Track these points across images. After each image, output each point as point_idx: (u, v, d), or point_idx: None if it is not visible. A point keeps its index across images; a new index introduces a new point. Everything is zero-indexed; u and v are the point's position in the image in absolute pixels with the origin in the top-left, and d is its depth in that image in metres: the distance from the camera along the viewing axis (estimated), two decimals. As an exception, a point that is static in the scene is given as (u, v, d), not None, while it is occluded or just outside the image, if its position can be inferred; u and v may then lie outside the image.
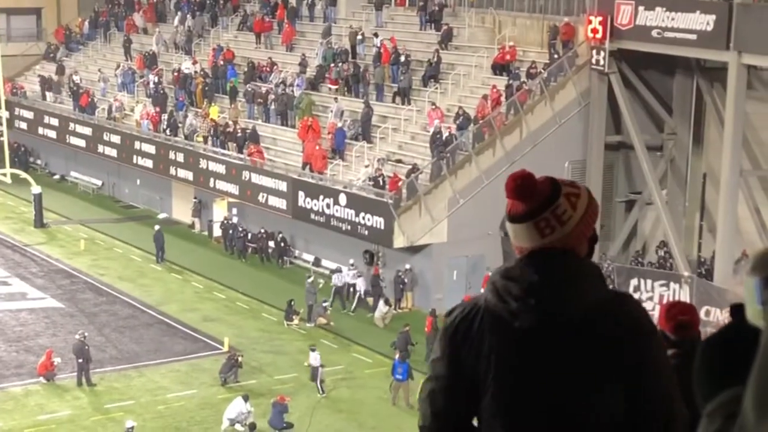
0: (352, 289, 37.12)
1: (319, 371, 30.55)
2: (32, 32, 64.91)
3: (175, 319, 35.63)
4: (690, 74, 38.03)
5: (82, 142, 51.08)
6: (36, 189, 46.87)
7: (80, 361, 30.45)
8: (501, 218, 36.10)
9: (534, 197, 3.15)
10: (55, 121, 53.07)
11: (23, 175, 49.06)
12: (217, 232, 43.72)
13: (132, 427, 26.42)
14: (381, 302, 35.21)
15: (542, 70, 38.38)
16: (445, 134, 37.47)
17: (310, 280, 36.23)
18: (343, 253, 37.89)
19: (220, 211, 44.11)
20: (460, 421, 3.24)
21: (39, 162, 56.50)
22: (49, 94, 55.78)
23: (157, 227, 42.37)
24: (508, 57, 40.03)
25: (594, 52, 37.29)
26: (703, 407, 2.58)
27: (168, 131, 46.77)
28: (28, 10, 65.23)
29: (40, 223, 46.62)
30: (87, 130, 50.70)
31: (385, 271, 36.91)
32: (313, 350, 30.94)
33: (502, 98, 38.20)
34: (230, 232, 42.57)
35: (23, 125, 55.17)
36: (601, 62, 36.91)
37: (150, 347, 33.44)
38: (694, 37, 33.93)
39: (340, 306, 36.58)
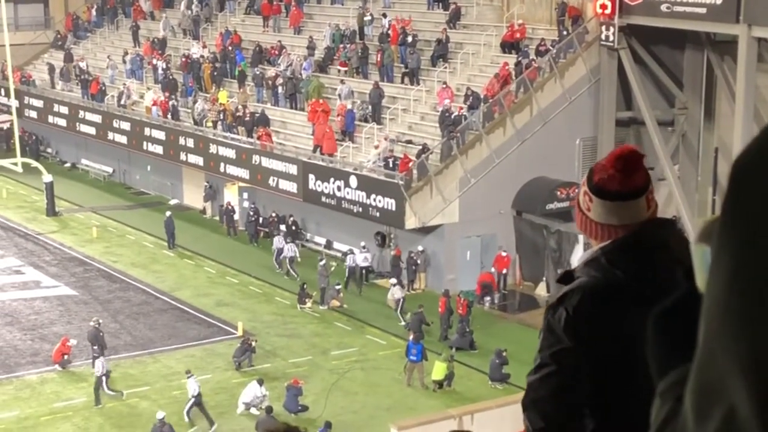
0: (364, 272, 37.09)
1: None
2: (40, 21, 64.89)
3: (189, 305, 35.65)
4: (700, 48, 37.80)
5: (92, 130, 51.09)
6: (47, 177, 46.91)
7: (95, 347, 30.49)
8: (513, 197, 36.15)
9: (644, 169, 3.13)
10: (64, 109, 53.07)
11: (34, 163, 49.10)
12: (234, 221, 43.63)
13: (162, 418, 26.27)
14: (396, 287, 34.99)
15: (551, 48, 38.18)
16: (455, 114, 37.35)
17: (322, 263, 36.20)
18: (355, 235, 37.84)
19: (231, 195, 44.09)
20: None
21: (50, 150, 56.55)
22: (58, 83, 55.75)
23: (167, 213, 42.36)
24: (517, 35, 39.83)
25: (603, 28, 37.08)
26: (656, 384, 2.48)
27: (170, 116, 46.66)
28: (34, -1, 65.25)
29: (52, 211, 46.68)
30: (97, 118, 50.69)
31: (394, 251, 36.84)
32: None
33: (512, 77, 38.03)
34: (233, 216, 42.69)
35: (33, 114, 55.18)
36: (611, 38, 36.70)
37: (164, 333, 33.48)
38: (703, 10, 33.69)
39: (356, 288, 36.51)
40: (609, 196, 3.08)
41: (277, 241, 38.99)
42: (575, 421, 3.06)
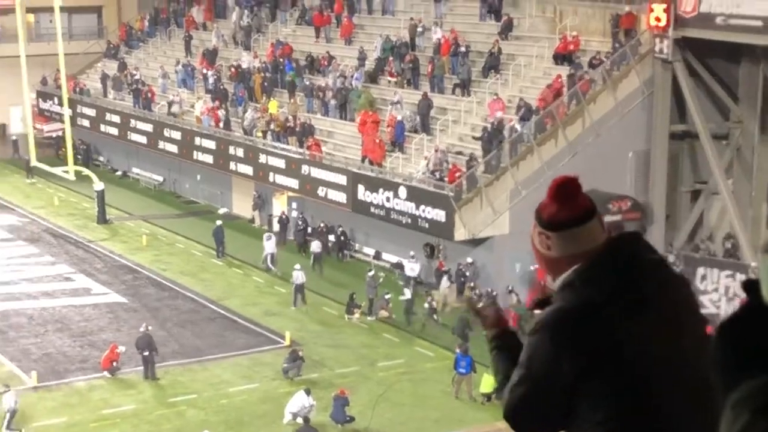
0: (413, 281, 37.00)
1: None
2: (93, 30, 65.58)
3: (237, 314, 35.66)
4: (756, 61, 37.23)
5: (143, 139, 51.39)
6: (99, 185, 47.22)
7: (146, 354, 30.53)
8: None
9: (584, 193, 3.21)
10: (116, 118, 53.45)
11: (86, 171, 49.44)
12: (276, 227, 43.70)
13: None
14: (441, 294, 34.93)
15: (604, 60, 37.85)
16: (505, 125, 37.12)
17: (370, 273, 36.05)
18: (404, 246, 37.68)
19: (279, 205, 44.10)
20: None
21: (101, 159, 56.95)
22: (110, 92, 56.15)
23: (218, 222, 42.47)
24: (571, 47, 39.52)
25: (657, 40, 36.67)
26: (725, 398, 2.33)
27: (222, 125, 46.85)
28: (89, 8, 65.95)
29: (103, 219, 46.96)
30: (148, 127, 50.99)
31: (446, 264, 36.62)
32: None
33: (564, 88, 37.73)
34: (287, 226, 42.76)
35: (85, 123, 55.62)
36: (665, 51, 36.28)
37: (212, 341, 33.48)
38: (759, 23, 33.22)
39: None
40: (563, 225, 3.13)
41: (269, 247, 39.75)
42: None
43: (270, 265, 39.67)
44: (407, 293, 35.01)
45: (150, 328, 31.62)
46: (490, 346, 3.40)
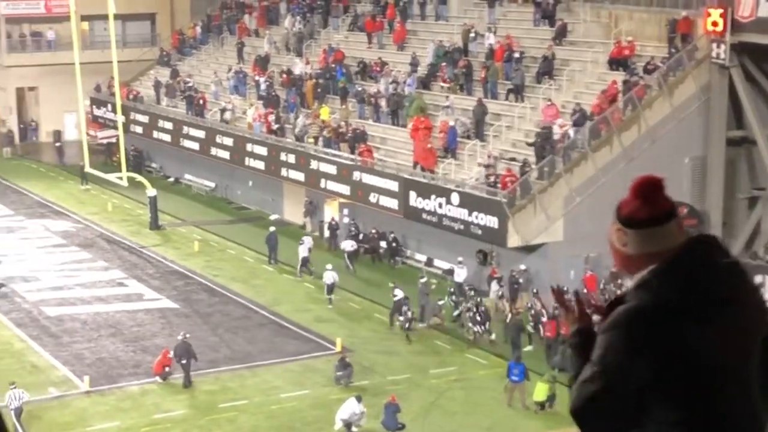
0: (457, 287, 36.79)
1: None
2: (147, 38, 66.06)
3: (288, 320, 35.55)
4: (815, 66, 36.62)
5: (195, 145, 51.54)
6: (151, 191, 47.40)
7: (183, 362, 30.51)
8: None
9: (666, 194, 3.22)
10: (169, 125, 53.68)
11: (139, 178, 49.67)
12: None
13: None
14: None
15: (660, 65, 37.36)
16: (559, 131, 36.75)
17: (423, 280, 35.80)
18: (456, 253, 37.39)
19: (331, 211, 43.99)
20: None
21: (154, 165, 57.22)
22: (163, 99, 56.44)
23: (271, 228, 42.44)
24: (626, 52, 39.07)
25: (714, 45, 36.18)
26: None
27: (276, 132, 46.90)
28: (142, 16, 66.48)
29: (155, 225, 47.13)
30: (200, 133, 51.15)
31: (499, 271, 36.29)
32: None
33: (619, 94, 37.30)
34: (337, 232, 42.77)
35: (138, 129, 55.91)
36: (722, 56, 35.78)
37: (263, 347, 33.40)
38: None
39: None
40: (642, 224, 3.14)
41: (303, 251, 40.07)
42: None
43: (303, 270, 39.83)
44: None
45: (188, 336, 31.56)
46: (569, 342, 3.32)
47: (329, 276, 36.93)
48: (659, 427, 2.98)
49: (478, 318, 33.31)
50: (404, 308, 34.01)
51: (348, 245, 40.33)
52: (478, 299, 34.21)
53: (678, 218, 3.18)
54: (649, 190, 3.17)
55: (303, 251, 40.09)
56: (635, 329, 3.00)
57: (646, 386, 2.97)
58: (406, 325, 33.77)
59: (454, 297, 35.40)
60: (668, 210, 3.17)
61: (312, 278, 39.42)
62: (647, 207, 3.15)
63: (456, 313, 34.77)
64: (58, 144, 60.53)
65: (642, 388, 2.97)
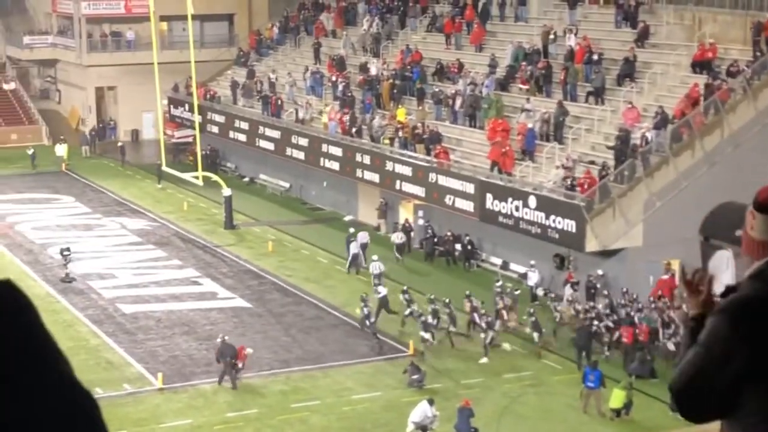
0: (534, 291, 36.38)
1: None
2: (224, 38, 66.46)
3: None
4: None
5: (270, 146, 51.58)
6: (226, 191, 47.53)
7: (232, 361, 30.32)
8: (701, 221, 34.55)
9: None
10: (245, 125, 53.81)
11: (214, 177, 49.85)
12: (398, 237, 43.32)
13: None
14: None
15: (745, 68, 36.49)
16: (639, 135, 36.09)
17: (498, 283, 35.35)
18: (532, 257, 36.88)
19: (406, 213, 43.71)
20: None
21: (229, 165, 57.44)
22: (240, 99, 56.61)
23: (351, 230, 42.20)
24: (708, 54, 38.23)
25: (800, 48, 35.24)
26: None
27: (353, 132, 46.74)
28: (220, 17, 66.93)
29: (230, 224, 47.25)
30: (276, 134, 51.17)
31: (575, 276, 35.70)
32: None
33: (701, 97, 36.49)
34: (410, 234, 42.66)
35: (215, 129, 56.14)
36: (809, 58, 34.81)
37: (335, 348, 33.20)
38: None
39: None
40: None
41: (353, 248, 40.57)
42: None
43: (352, 267, 40.17)
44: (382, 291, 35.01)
45: (227, 338, 31.37)
46: (687, 324, 3.18)
47: (375, 266, 37.76)
48: (753, 419, 2.90)
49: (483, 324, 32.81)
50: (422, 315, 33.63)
51: (397, 237, 40.90)
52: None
53: None
54: None
55: (354, 248, 40.42)
56: (741, 318, 2.89)
57: (743, 376, 2.87)
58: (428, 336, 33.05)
59: (407, 296, 34.82)
60: None
61: (390, 282, 39.17)
62: None
63: (407, 312, 34.26)
64: (120, 144, 60.93)
65: (739, 377, 2.87)
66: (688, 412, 3.06)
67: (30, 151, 58.49)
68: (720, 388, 2.94)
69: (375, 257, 38.32)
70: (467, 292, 34.75)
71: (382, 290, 35.12)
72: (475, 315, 33.36)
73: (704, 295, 3.18)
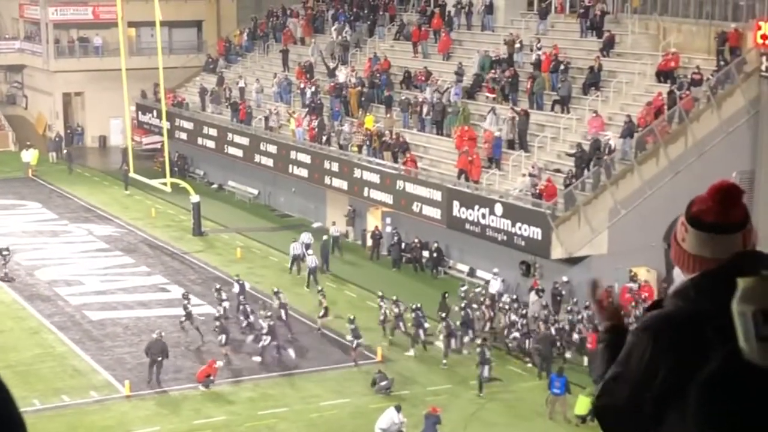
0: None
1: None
2: (193, 44, 66.39)
3: (329, 328, 35.40)
4: None
5: (239, 152, 51.64)
6: (194, 198, 47.55)
7: (159, 359, 30.83)
8: (665, 229, 34.95)
9: (743, 205, 3.10)
10: (213, 132, 53.82)
11: (182, 184, 49.83)
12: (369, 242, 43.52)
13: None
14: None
15: (709, 78, 36.96)
16: (603, 143, 36.47)
17: (463, 288, 35.63)
18: (499, 263, 37.16)
19: (374, 220, 43.90)
20: None
21: (198, 171, 57.41)
22: (208, 105, 56.60)
23: (324, 237, 42.40)
24: (672, 64, 38.68)
25: (764, 58, 35.79)
26: None
27: (323, 140, 46.88)
28: (189, 23, 66.84)
29: (198, 231, 47.25)
30: (244, 140, 51.23)
31: (541, 283, 36.00)
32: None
33: (665, 106, 36.92)
34: (380, 241, 42.80)
35: (183, 135, 56.13)
36: (772, 69, 35.30)
37: (303, 355, 33.28)
38: None
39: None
40: (704, 227, 3.06)
41: (294, 249, 41.54)
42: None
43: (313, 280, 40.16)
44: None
45: (163, 334, 31.86)
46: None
47: (311, 261, 39.78)
48: None
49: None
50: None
51: (311, 262, 40.30)
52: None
53: (747, 231, 3.05)
54: (724, 197, 3.05)
55: (296, 248, 41.50)
56: (662, 336, 2.96)
57: (664, 394, 2.93)
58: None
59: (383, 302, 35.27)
60: (736, 222, 3.05)
61: (358, 288, 39.43)
62: (716, 212, 3.04)
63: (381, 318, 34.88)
64: (124, 147, 60.82)
65: (661, 395, 2.93)
66: (610, 429, 3.09)
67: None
68: (642, 408, 2.96)
69: (310, 251, 40.69)
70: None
71: (312, 261, 39.12)
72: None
73: (608, 311, 3.29)
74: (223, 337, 33.31)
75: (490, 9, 48.13)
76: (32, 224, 49.07)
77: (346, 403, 29.91)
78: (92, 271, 41.80)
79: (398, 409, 27.59)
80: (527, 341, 32.86)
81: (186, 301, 35.04)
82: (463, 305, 34.27)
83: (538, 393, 30.03)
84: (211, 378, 30.71)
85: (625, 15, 43.23)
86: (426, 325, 33.69)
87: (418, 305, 33.91)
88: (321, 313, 35.12)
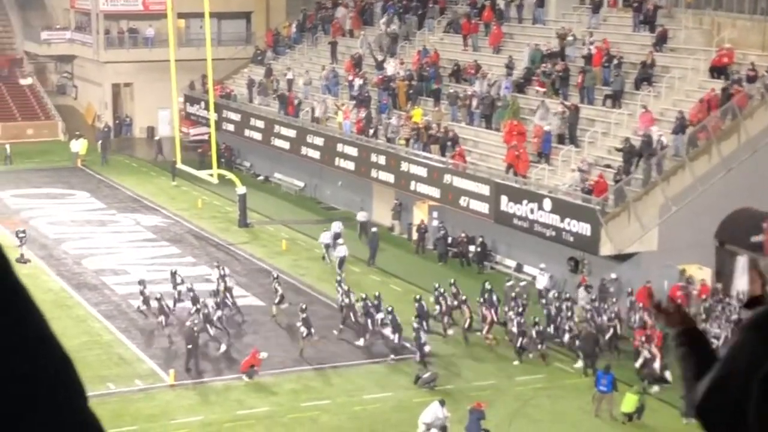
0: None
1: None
2: (242, 36, 66.43)
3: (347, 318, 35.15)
4: None
5: (286, 144, 51.56)
6: (241, 189, 47.53)
7: (189, 347, 30.92)
8: (716, 226, 34.41)
9: None
10: (260, 124, 53.79)
11: (229, 175, 49.83)
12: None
13: None
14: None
15: (764, 74, 36.31)
16: (656, 139, 35.95)
17: (509, 283, 35.33)
18: (546, 259, 36.76)
19: (420, 214, 43.63)
20: None
21: (244, 163, 57.44)
22: (256, 97, 56.58)
23: (374, 229, 42.21)
24: (725, 60, 38.06)
25: (820, 54, 35.06)
26: None
27: (370, 133, 46.66)
28: (237, 15, 66.90)
29: (244, 222, 47.23)
30: (291, 133, 51.14)
31: (589, 279, 35.58)
32: None
33: (718, 102, 36.33)
34: (425, 235, 42.60)
35: (230, 127, 56.16)
36: (829, 65, 34.62)
37: (348, 348, 33.13)
38: None
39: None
40: None
41: (323, 238, 42.00)
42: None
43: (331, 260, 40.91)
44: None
45: (197, 322, 32.03)
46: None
47: (342, 250, 39.95)
48: None
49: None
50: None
51: (341, 251, 40.47)
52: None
53: None
54: None
55: (326, 238, 41.75)
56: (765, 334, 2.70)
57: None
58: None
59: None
60: None
61: (402, 282, 39.24)
62: None
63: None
64: (158, 138, 61.03)
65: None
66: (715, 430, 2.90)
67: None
68: (747, 407, 2.76)
69: (341, 241, 40.92)
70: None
71: (342, 250, 39.32)
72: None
73: (673, 316, 3.14)
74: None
75: (541, 2, 47.67)
76: (80, 213, 49.33)
77: (389, 396, 29.70)
78: (138, 261, 41.91)
79: (442, 403, 27.33)
80: (575, 340, 32.47)
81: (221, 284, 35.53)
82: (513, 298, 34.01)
83: (584, 390, 29.66)
84: (255, 368, 30.62)
85: (678, 9, 42.63)
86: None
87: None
88: (277, 300, 35.18)
